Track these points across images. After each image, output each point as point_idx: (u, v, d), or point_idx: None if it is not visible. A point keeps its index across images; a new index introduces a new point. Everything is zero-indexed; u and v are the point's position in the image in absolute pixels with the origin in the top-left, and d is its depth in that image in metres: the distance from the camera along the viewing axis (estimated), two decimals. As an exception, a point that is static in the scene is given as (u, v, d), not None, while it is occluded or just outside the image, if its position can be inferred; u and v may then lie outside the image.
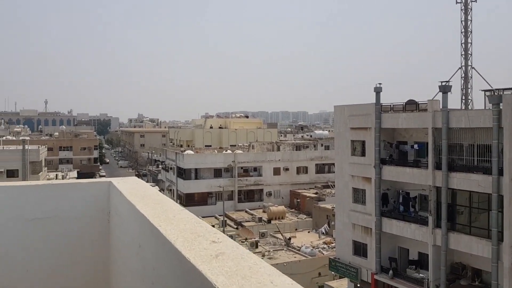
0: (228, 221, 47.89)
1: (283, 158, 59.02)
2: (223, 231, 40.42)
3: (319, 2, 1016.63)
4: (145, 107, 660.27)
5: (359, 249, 32.69)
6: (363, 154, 32.04)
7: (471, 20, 41.89)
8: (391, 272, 29.69)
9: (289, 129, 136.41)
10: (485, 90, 31.35)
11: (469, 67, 41.24)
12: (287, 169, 58.38)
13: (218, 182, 54.17)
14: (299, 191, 56.06)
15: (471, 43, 41.70)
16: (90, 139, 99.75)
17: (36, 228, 3.87)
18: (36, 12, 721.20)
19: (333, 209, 40.68)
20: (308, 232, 45.96)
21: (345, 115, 33.43)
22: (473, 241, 25.45)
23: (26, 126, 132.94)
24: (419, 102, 29.64)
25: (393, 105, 31.07)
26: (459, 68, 40.68)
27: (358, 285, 32.51)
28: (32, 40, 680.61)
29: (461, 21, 41.66)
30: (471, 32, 41.94)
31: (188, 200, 54.45)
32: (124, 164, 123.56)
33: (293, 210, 54.00)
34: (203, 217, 50.60)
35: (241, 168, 57.04)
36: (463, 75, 40.80)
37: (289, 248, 39.73)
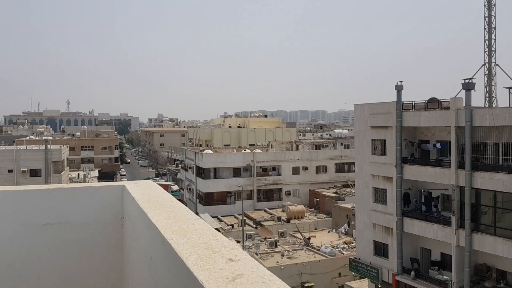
0: (247, 221, 47.71)
1: (302, 157, 58.57)
2: (242, 230, 40.29)
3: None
4: (165, 107, 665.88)
5: (380, 250, 32.19)
6: (383, 153, 31.52)
7: (494, 16, 40.97)
8: (413, 273, 29.13)
9: (308, 128, 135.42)
10: (509, 88, 30.57)
11: (493, 64, 40.36)
12: (306, 169, 57.92)
13: (237, 182, 54.06)
14: (319, 190, 55.58)
15: (495, 39, 40.80)
16: (111, 138, 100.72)
17: (47, 235, 3.72)
18: (58, 15, 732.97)
19: (353, 209, 40.20)
20: (328, 231, 45.52)
21: (365, 113, 32.94)
22: (498, 242, 24.77)
23: (49, 126, 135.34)
24: (442, 100, 28.94)
25: (414, 103, 30.38)
26: (483, 65, 39.85)
27: (379, 286, 32.01)
28: (55, 42, 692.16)
29: (485, 17, 40.77)
30: (494, 28, 41.03)
31: (207, 199, 54.48)
32: (144, 163, 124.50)
33: (312, 209, 53.56)
34: (222, 216, 50.70)
35: (260, 167, 56.80)
36: (486, 72, 39.96)
37: (309, 248, 39.37)
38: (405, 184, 30.13)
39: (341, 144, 68.08)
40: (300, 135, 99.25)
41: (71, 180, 58.81)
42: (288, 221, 47.56)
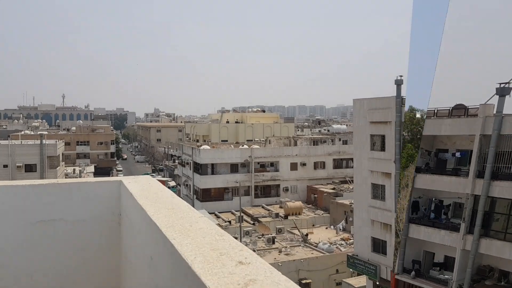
0: (245, 217, 47.59)
1: (300, 153, 58.40)
2: (240, 227, 40.15)
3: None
4: (162, 101, 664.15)
5: (378, 246, 32.02)
6: (382, 148, 31.33)
7: None
8: (413, 272, 28.62)
9: (306, 123, 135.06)
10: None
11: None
12: (304, 164, 57.78)
13: (235, 177, 53.86)
14: (316, 186, 55.46)
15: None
16: (107, 133, 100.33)
17: (40, 232, 3.54)
18: (52, 7, 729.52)
19: (351, 205, 40.09)
20: (326, 228, 45.41)
21: (364, 108, 32.73)
22: (506, 246, 23.87)
23: (44, 120, 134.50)
24: (469, 107, 26.56)
25: (437, 110, 28.06)
26: None
27: (377, 282, 31.91)
28: (49, 35, 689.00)
29: None
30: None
31: (204, 195, 54.31)
32: (140, 159, 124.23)
33: (310, 205, 53.46)
34: (219, 212, 50.55)
35: (258, 163, 56.62)
36: None
37: (306, 244, 39.28)
38: (415, 193, 28.63)
39: (340, 139, 67.99)
40: (298, 130, 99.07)
41: (66, 175, 58.54)
42: (285, 217, 47.45)
